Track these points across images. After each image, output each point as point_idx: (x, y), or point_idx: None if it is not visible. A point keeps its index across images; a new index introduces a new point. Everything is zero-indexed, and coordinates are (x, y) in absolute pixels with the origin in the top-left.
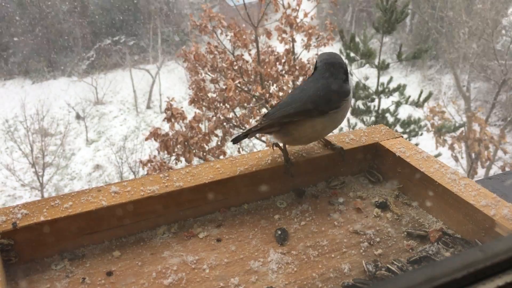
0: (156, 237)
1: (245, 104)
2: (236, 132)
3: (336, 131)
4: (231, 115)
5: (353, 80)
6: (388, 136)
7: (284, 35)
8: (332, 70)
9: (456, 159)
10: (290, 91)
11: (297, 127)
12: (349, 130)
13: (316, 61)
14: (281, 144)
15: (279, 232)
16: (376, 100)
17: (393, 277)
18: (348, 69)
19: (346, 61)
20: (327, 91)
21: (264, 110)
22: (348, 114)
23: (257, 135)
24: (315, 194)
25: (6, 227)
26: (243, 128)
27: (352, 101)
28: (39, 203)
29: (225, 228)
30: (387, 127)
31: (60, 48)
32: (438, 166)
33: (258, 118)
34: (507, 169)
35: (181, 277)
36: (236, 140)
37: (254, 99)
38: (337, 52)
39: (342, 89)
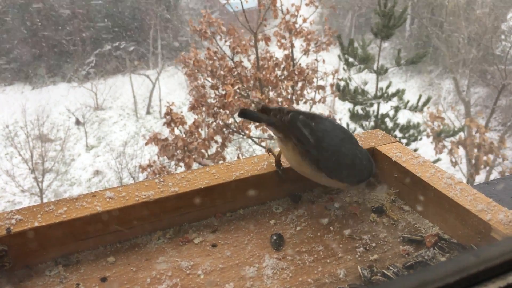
0: (151, 242)
1: None
2: (236, 137)
3: None
4: (230, 121)
5: (352, 85)
6: (385, 141)
7: (283, 41)
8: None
9: (455, 164)
10: (333, 124)
11: (289, 151)
12: None
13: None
14: (276, 150)
15: (275, 238)
16: (375, 105)
17: (386, 281)
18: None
19: (345, 66)
20: (339, 161)
21: None
22: (347, 119)
23: (256, 140)
24: (311, 199)
25: (0, 233)
26: (243, 133)
27: (351, 106)
28: (34, 208)
29: (221, 234)
30: (384, 132)
31: (60, 54)
32: (434, 171)
33: (259, 124)
34: (507, 174)
35: (175, 283)
36: (243, 114)
37: (253, 105)
38: (335, 57)
39: (346, 174)
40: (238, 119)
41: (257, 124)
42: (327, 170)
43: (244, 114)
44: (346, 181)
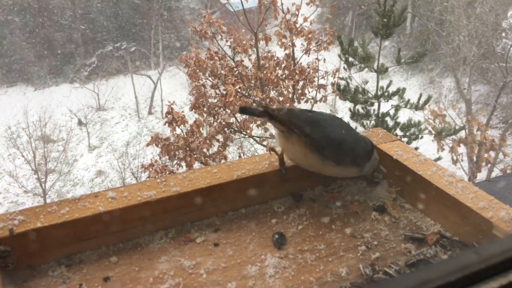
0: (153, 242)
1: None
2: (237, 136)
3: None
4: (232, 120)
5: (352, 84)
6: (386, 139)
7: (284, 40)
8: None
9: (456, 162)
10: (329, 111)
11: (294, 145)
12: None
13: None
14: (278, 149)
15: (277, 236)
16: (376, 104)
17: (388, 280)
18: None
19: (345, 66)
20: (344, 147)
21: None
22: (348, 118)
23: (258, 139)
24: (312, 198)
25: (3, 234)
26: (244, 133)
27: (351, 105)
28: (36, 209)
29: (223, 233)
30: (385, 131)
31: (62, 55)
32: (435, 169)
33: (259, 122)
34: (508, 171)
35: (178, 282)
36: (243, 110)
37: (254, 104)
38: (336, 56)
39: (359, 158)
40: (239, 119)
41: (257, 119)
42: (334, 157)
43: (244, 110)
44: (354, 165)
